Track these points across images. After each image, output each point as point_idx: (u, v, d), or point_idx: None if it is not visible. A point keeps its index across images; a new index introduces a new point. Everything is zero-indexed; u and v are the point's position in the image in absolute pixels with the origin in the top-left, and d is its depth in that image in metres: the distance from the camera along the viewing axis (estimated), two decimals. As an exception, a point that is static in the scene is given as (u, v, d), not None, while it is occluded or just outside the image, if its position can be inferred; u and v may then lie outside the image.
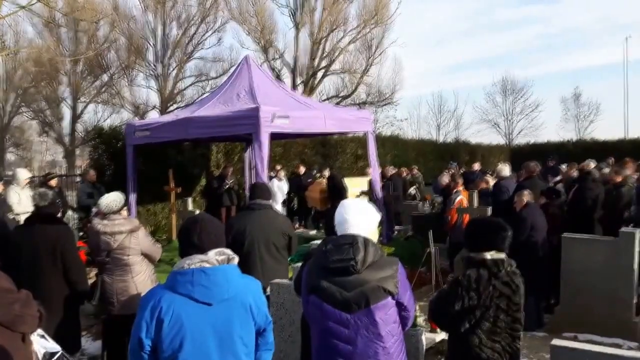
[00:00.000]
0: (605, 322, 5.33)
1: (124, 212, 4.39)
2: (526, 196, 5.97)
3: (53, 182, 8.59)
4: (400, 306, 2.48)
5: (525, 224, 5.63)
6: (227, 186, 10.50)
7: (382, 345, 2.42)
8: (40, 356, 2.78)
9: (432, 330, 4.90)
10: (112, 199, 4.30)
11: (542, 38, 59.62)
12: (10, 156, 38.47)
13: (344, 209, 2.55)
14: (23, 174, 7.56)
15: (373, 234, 2.56)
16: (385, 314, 2.42)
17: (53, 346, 3.05)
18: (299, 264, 3.85)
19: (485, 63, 61.31)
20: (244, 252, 4.18)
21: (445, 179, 8.34)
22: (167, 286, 2.18)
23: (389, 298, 2.42)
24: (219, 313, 2.15)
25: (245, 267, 3.98)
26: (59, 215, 4.59)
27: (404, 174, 13.72)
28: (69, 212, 9.93)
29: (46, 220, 4.30)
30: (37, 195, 4.40)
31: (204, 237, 2.24)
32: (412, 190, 12.92)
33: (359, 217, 2.51)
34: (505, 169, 8.00)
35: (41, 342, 2.92)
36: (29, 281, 3.82)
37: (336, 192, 10.70)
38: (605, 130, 54.45)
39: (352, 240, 2.42)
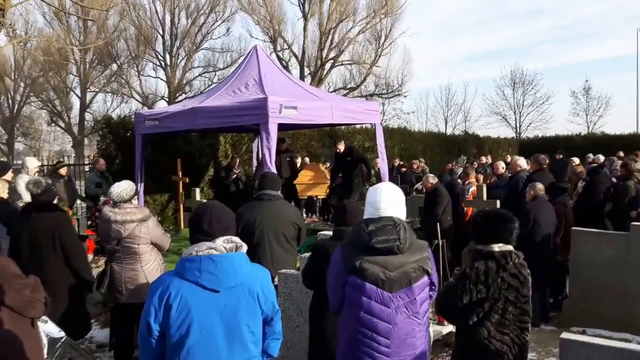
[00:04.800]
0: (614, 317, 5.29)
1: (135, 201, 4.38)
2: (537, 189, 5.90)
3: (62, 171, 8.62)
4: (431, 285, 2.66)
5: (529, 216, 5.58)
6: (235, 177, 10.52)
7: (418, 322, 2.56)
8: (45, 341, 2.80)
9: (440, 323, 4.91)
10: (123, 187, 4.29)
11: (553, 30, 58.94)
12: (19, 145, 38.80)
13: (378, 190, 2.64)
14: (32, 163, 7.58)
15: (404, 217, 2.66)
16: (422, 292, 2.58)
17: (57, 332, 3.07)
18: (307, 255, 3.85)
19: (495, 55, 60.79)
20: (253, 242, 4.18)
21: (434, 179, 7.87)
22: (176, 273, 2.19)
23: (426, 277, 2.59)
24: (226, 300, 2.16)
25: (255, 257, 3.99)
26: (55, 202, 4.54)
27: (415, 167, 13.65)
28: (77, 201, 9.99)
29: (42, 209, 4.28)
30: (31, 183, 4.37)
31: (215, 224, 2.24)
32: (418, 186, 12.89)
33: (393, 199, 2.61)
34: (523, 162, 7.94)
35: (44, 328, 2.94)
36: (31, 270, 3.81)
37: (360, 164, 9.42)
38: (617, 124, 53.82)
39: (393, 222, 2.52)
